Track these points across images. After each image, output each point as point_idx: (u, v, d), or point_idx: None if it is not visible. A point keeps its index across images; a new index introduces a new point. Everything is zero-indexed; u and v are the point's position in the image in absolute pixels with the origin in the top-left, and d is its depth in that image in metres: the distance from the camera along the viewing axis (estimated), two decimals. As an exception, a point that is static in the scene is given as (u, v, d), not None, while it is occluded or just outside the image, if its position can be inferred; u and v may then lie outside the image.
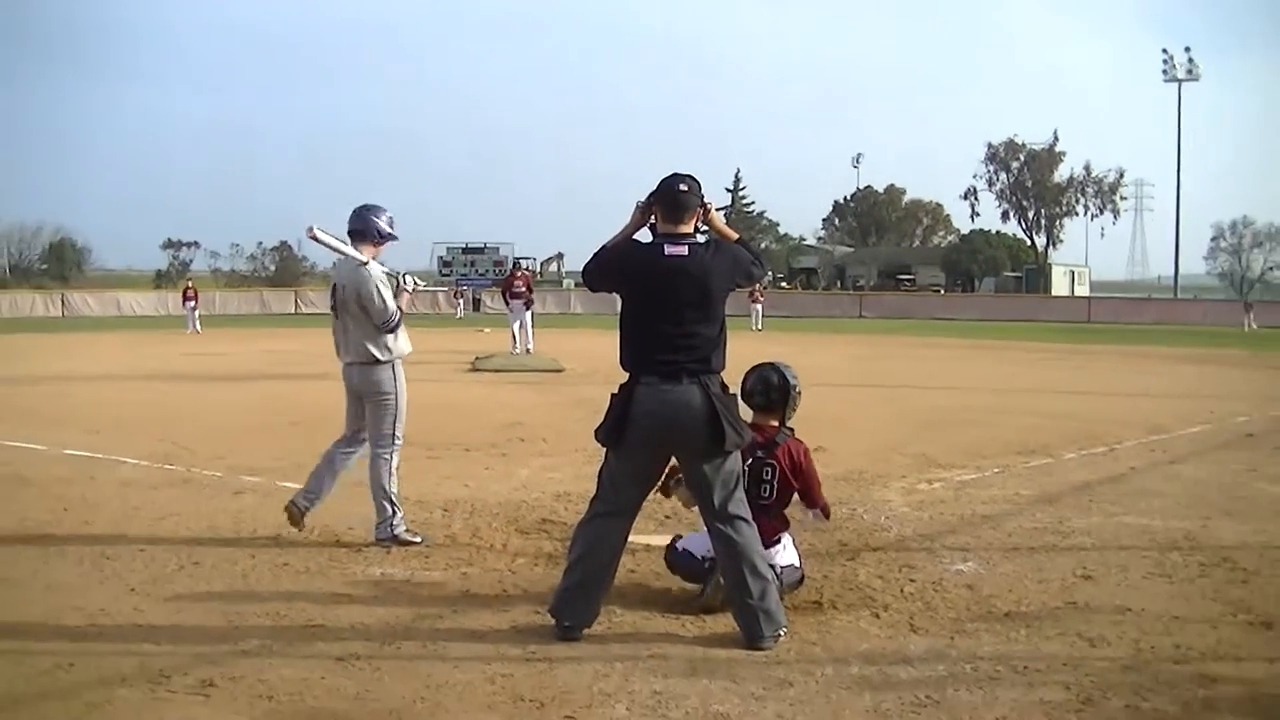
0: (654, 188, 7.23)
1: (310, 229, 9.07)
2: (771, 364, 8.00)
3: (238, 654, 6.68)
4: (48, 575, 8.46)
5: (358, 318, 9.33)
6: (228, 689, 6.12)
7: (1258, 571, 8.70)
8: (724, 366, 7.10)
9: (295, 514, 9.49)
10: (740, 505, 7.08)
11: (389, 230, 9.58)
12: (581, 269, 7.35)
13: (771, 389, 7.90)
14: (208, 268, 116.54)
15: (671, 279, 6.94)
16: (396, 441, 9.45)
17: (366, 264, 9.27)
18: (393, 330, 9.30)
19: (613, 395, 7.11)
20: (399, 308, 9.33)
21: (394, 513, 9.32)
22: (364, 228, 9.49)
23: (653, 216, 7.21)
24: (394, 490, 9.37)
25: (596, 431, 7.18)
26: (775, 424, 7.91)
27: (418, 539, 9.23)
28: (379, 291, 9.21)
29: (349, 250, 9.32)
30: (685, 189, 7.15)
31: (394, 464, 9.41)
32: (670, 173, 7.24)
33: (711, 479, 6.99)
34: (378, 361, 9.36)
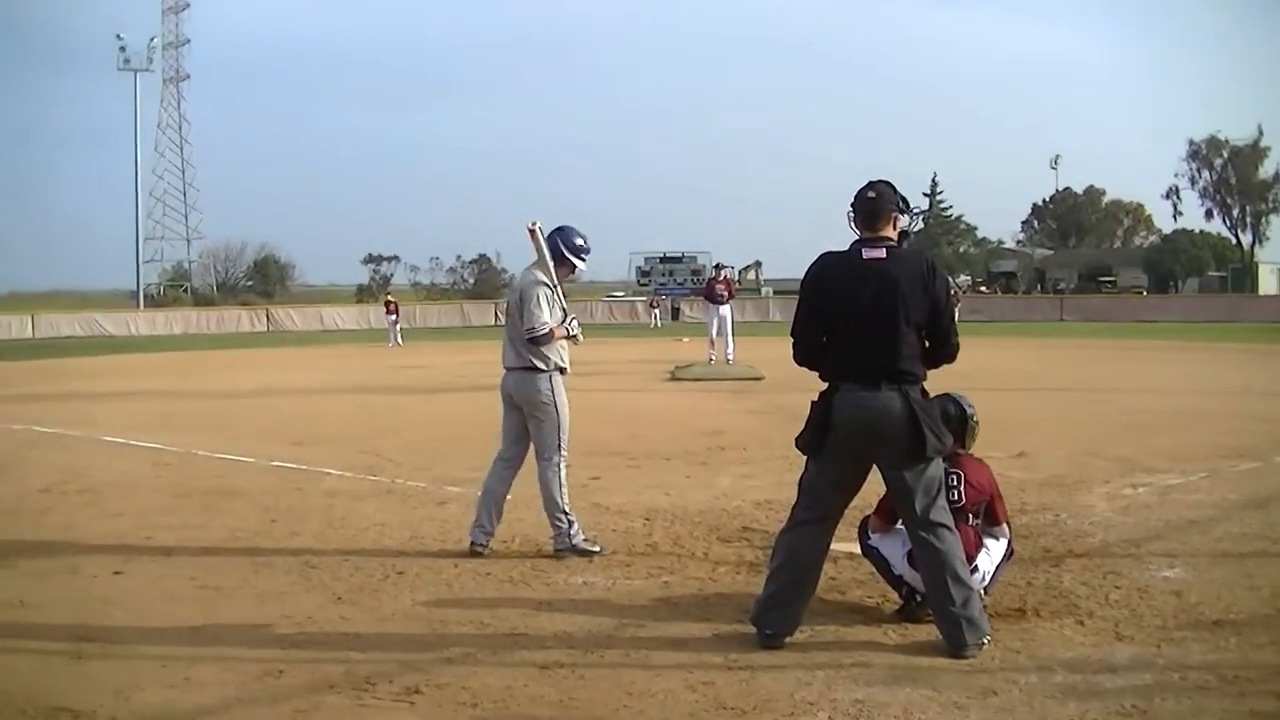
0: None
1: (532, 223, 9.25)
2: (949, 395, 7.92)
3: (442, 661, 6.80)
4: (257, 584, 8.73)
5: (515, 327, 9.46)
6: (432, 696, 6.24)
7: None
8: (925, 375, 7.05)
9: (479, 553, 9.60)
10: (943, 513, 7.01)
11: (572, 255, 9.67)
12: (792, 348, 7.30)
13: (950, 419, 7.82)
14: (408, 281, 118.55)
15: (871, 284, 6.90)
16: (562, 453, 9.48)
17: (545, 281, 9.43)
18: (536, 343, 9.30)
19: (812, 403, 7.10)
20: (550, 329, 9.34)
21: (569, 524, 9.35)
22: (551, 245, 9.60)
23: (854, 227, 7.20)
24: (565, 502, 9.40)
25: (797, 439, 7.18)
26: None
27: (597, 548, 9.27)
28: (537, 301, 9.29)
29: (545, 260, 9.44)
30: (873, 194, 7.14)
31: (562, 476, 9.43)
32: (869, 181, 7.24)
33: (913, 486, 6.93)
34: (535, 369, 9.40)
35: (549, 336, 9.31)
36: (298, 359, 42.15)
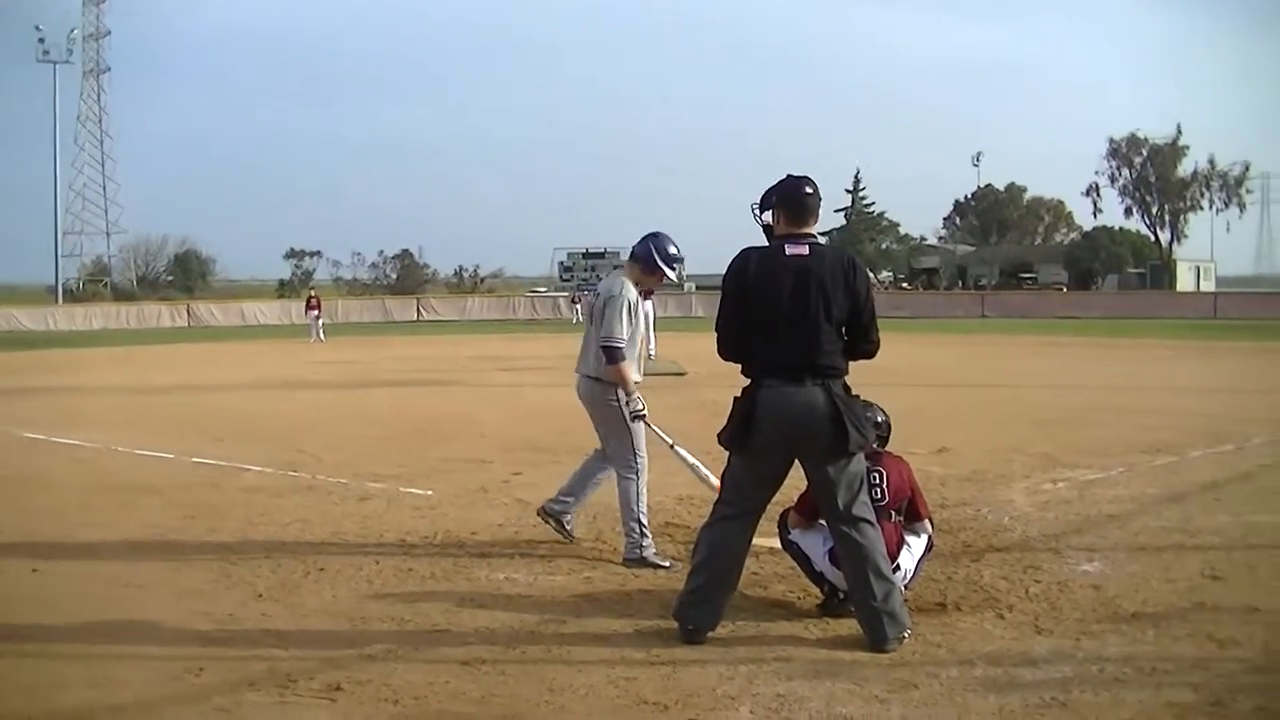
0: (770, 190, 7.26)
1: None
2: (869, 404, 7.95)
3: (363, 658, 6.77)
4: (177, 582, 8.64)
5: (597, 330, 9.18)
6: (354, 693, 6.21)
7: (1393, 570, 8.52)
8: (848, 369, 7.10)
9: (544, 517, 9.64)
10: (864, 508, 7.05)
11: (664, 264, 9.35)
12: (716, 344, 7.30)
13: (877, 426, 7.86)
14: (330, 277, 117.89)
15: (794, 280, 6.93)
16: (638, 462, 9.14)
17: (631, 294, 9.17)
18: (609, 354, 8.97)
19: (736, 399, 7.11)
20: (622, 352, 9.00)
21: (642, 534, 9.07)
22: (643, 252, 9.37)
23: (775, 220, 7.24)
24: (642, 511, 9.07)
25: (720, 435, 7.20)
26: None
27: (666, 564, 8.93)
28: (621, 312, 9.03)
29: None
30: (811, 191, 7.19)
31: (640, 486, 9.11)
32: (788, 174, 7.27)
33: (835, 481, 6.96)
34: (594, 379, 9.22)
35: (618, 357, 8.98)
36: (218, 354, 41.94)
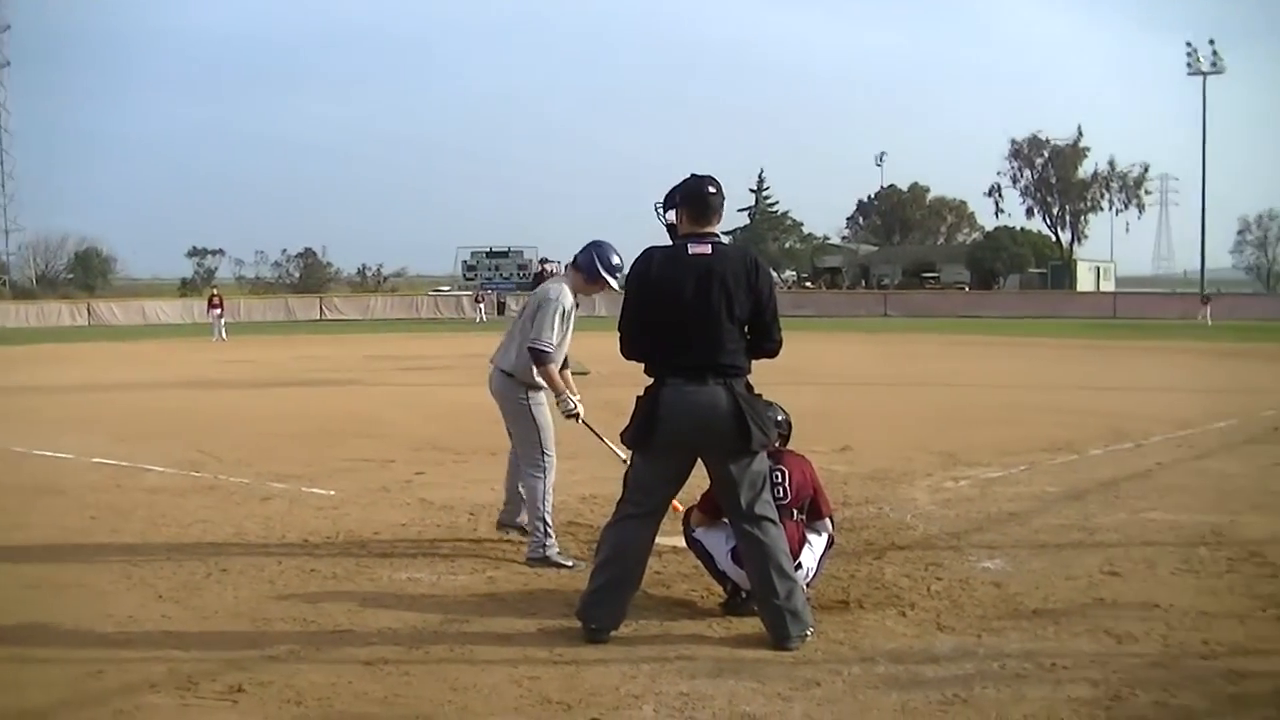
0: (674, 189, 7.26)
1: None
2: (770, 403, 7.96)
3: (266, 659, 6.69)
4: (78, 583, 8.51)
5: (523, 329, 9.12)
6: (256, 694, 6.13)
7: (1286, 566, 8.66)
8: (750, 368, 7.11)
9: (504, 530, 9.60)
10: (767, 506, 7.06)
11: (607, 274, 9.20)
12: (619, 343, 7.29)
13: (778, 425, 7.88)
14: (232, 275, 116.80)
15: (697, 279, 6.93)
16: (545, 460, 9.10)
17: (569, 302, 9.10)
18: (536, 356, 8.90)
19: (638, 398, 7.11)
20: (551, 358, 8.96)
21: (546, 533, 9.01)
22: (585, 261, 9.24)
23: (677, 219, 7.24)
24: (547, 510, 9.03)
25: (623, 434, 7.20)
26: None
27: (569, 563, 8.89)
28: (554, 316, 8.95)
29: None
30: (714, 190, 7.19)
31: (546, 484, 9.07)
32: (691, 174, 7.28)
33: (738, 479, 6.97)
34: (505, 374, 9.18)
35: (545, 360, 8.94)
36: (119, 353, 41.26)
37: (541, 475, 9.06)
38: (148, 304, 78.62)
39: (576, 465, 9.32)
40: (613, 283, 9.18)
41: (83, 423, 18.91)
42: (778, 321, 7.20)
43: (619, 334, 7.16)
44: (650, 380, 7.10)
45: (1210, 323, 60.73)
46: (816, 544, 7.79)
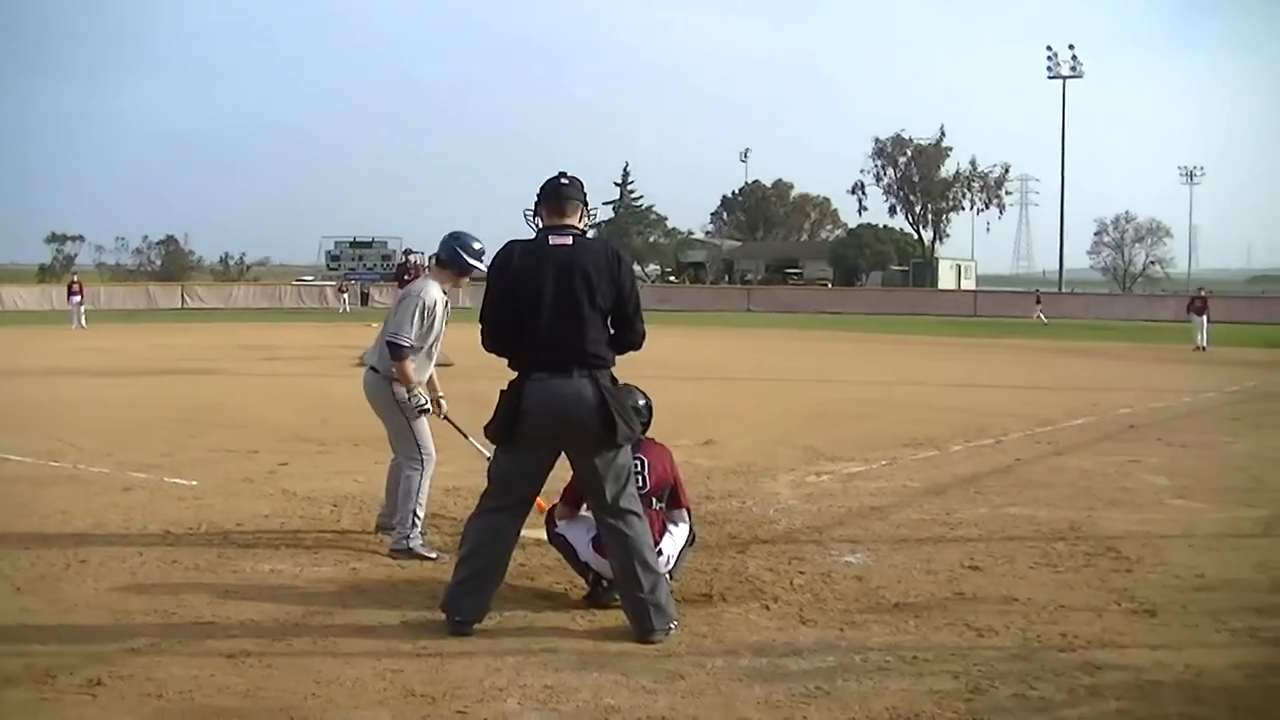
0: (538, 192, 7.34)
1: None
2: (629, 386, 7.97)
3: (126, 652, 6.57)
4: (-70, 576, 8.30)
5: (387, 323, 9.12)
6: (116, 688, 6.03)
7: (1141, 560, 8.85)
8: (614, 360, 7.13)
9: (384, 532, 9.47)
10: (632, 500, 7.09)
11: (471, 260, 9.17)
12: (481, 336, 7.27)
13: (639, 411, 7.91)
14: (92, 262, 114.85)
15: (558, 271, 6.95)
16: (420, 455, 9.07)
17: (433, 298, 9.04)
18: (393, 350, 8.83)
19: (502, 391, 7.10)
20: (406, 355, 8.86)
21: (413, 525, 8.96)
22: (449, 255, 9.21)
23: (539, 217, 7.27)
24: (419, 503, 9.00)
25: (486, 428, 7.18)
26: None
27: (433, 555, 8.84)
28: (414, 312, 8.90)
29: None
30: (566, 181, 7.25)
31: (423, 479, 9.05)
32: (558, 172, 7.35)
33: (603, 473, 6.99)
34: (375, 371, 9.14)
35: (401, 354, 8.84)
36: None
37: (419, 470, 9.04)
38: (4, 290, 76.69)
39: (440, 457, 9.24)
40: (480, 266, 9.11)
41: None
42: (640, 314, 7.25)
43: (480, 326, 7.15)
44: (514, 374, 7.10)
45: (1045, 321, 61.86)
46: (678, 533, 7.82)
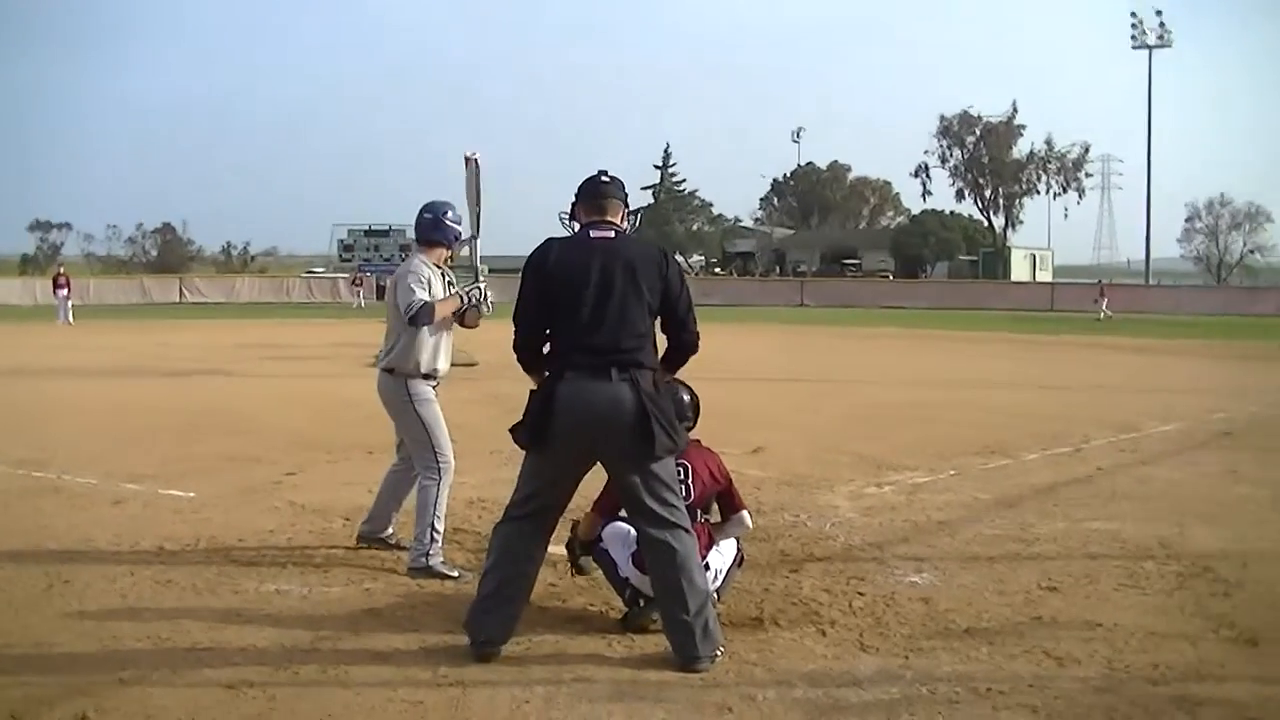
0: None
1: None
2: (678, 381, 7.95)
3: (114, 684, 6.55)
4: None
5: (390, 318, 9.16)
6: (103, 722, 6.03)
7: (1240, 583, 8.76)
8: (658, 364, 7.09)
9: (365, 544, 9.55)
10: (678, 513, 7.03)
11: (452, 223, 9.29)
12: (514, 343, 7.27)
13: (684, 406, 7.88)
14: (81, 252, 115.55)
15: (601, 263, 6.94)
16: (440, 462, 9.06)
17: (423, 264, 9.12)
18: (416, 321, 8.85)
19: (532, 392, 7.06)
20: (429, 304, 8.88)
21: (432, 541, 8.93)
22: (425, 223, 9.29)
23: (575, 219, 7.36)
24: (438, 517, 8.97)
25: (514, 431, 7.13)
26: None
27: (455, 573, 8.81)
28: (410, 280, 8.93)
29: (476, 206, 9.38)
30: (607, 180, 7.34)
31: (441, 489, 9.03)
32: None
33: (642, 483, 6.93)
34: (390, 373, 9.12)
35: (428, 312, 8.85)
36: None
37: (436, 479, 9.02)
38: (-16, 282, 77.56)
39: (462, 465, 9.23)
40: (458, 228, 9.32)
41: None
42: (693, 313, 7.27)
43: (514, 328, 7.15)
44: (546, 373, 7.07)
45: (1108, 316, 60.68)
46: (725, 548, 7.79)
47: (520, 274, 7.22)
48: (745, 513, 7.98)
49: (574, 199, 7.39)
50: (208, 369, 27.47)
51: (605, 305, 6.90)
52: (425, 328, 8.94)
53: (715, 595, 7.44)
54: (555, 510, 7.25)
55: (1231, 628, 7.65)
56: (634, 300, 6.93)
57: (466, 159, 9.28)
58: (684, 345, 7.25)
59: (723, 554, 7.74)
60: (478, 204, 9.41)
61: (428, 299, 8.89)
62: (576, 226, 7.35)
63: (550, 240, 7.23)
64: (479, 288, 9.26)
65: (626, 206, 7.43)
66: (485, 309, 9.29)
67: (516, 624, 7.10)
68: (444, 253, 9.35)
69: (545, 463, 7.09)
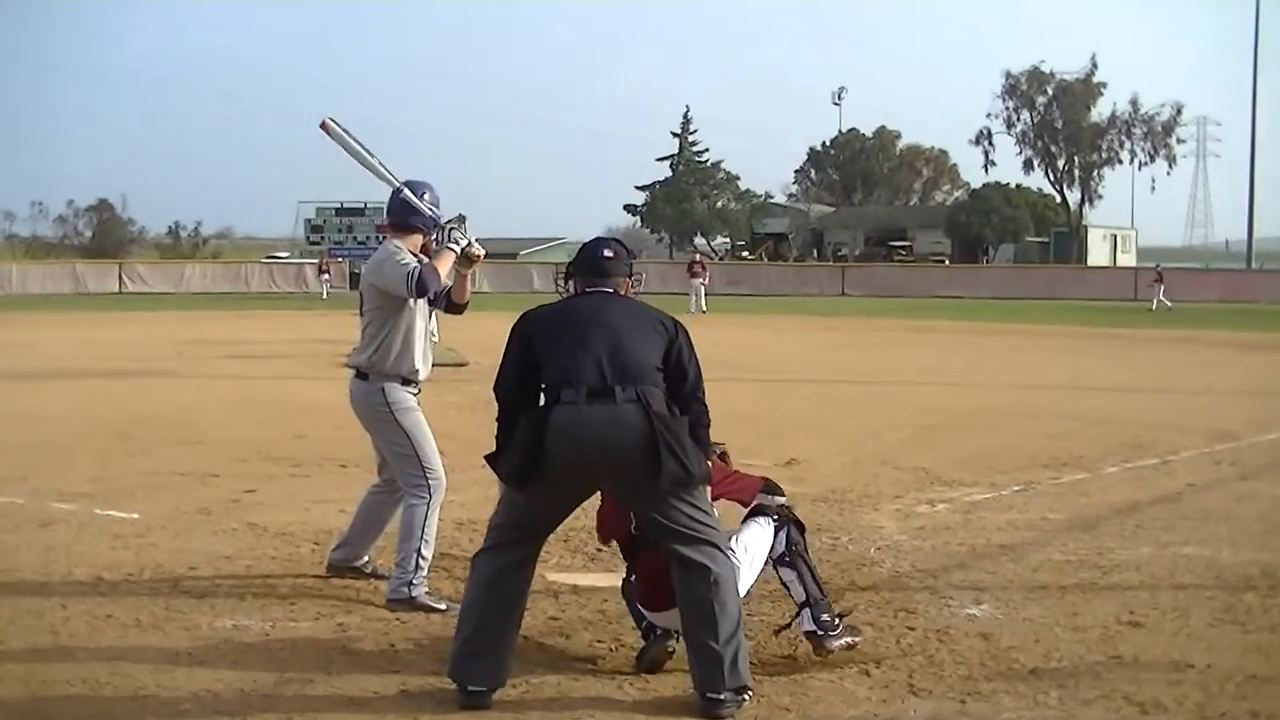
0: (570, 262, 7.55)
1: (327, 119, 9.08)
2: None
3: (42, 736, 6.60)
4: None
5: (370, 314, 9.14)
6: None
7: (1355, 619, 8.77)
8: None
9: (336, 573, 9.60)
10: (709, 530, 7.03)
11: (420, 203, 9.25)
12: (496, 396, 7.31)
13: None
14: (1, 234, 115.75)
15: (598, 305, 7.18)
16: (429, 479, 9.08)
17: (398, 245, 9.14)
18: (419, 286, 8.78)
19: (521, 419, 7.06)
20: (433, 268, 8.89)
21: (417, 569, 8.95)
22: (396, 204, 9.30)
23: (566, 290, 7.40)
24: (425, 540, 9.00)
25: (493, 460, 7.22)
26: None
27: (442, 606, 8.81)
28: (396, 261, 8.92)
29: (373, 162, 9.29)
30: (610, 254, 7.40)
31: (430, 511, 9.05)
32: (595, 237, 7.54)
33: (661, 514, 6.94)
34: (364, 378, 9.14)
35: (433, 273, 8.83)
36: None
37: (426, 498, 9.04)
38: (-114, 268, 77.77)
39: (450, 481, 9.23)
40: (438, 211, 9.29)
41: None
42: (703, 384, 7.29)
43: (495, 389, 7.29)
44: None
45: (1166, 306, 59.67)
46: (749, 539, 7.74)
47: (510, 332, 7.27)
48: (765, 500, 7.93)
49: (569, 267, 7.48)
50: (152, 369, 27.51)
51: (603, 324, 7.01)
52: (417, 321, 9.03)
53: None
54: (545, 535, 7.32)
55: (1342, 669, 7.66)
56: (638, 334, 7.02)
57: (322, 126, 9.21)
58: (698, 416, 7.21)
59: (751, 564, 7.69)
60: (371, 157, 9.35)
61: (419, 266, 8.84)
62: (570, 290, 7.46)
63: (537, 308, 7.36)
64: (457, 228, 9.17)
65: (630, 278, 7.48)
66: (476, 249, 9.19)
67: (508, 665, 7.10)
68: (421, 240, 9.34)
69: (532, 498, 7.10)
